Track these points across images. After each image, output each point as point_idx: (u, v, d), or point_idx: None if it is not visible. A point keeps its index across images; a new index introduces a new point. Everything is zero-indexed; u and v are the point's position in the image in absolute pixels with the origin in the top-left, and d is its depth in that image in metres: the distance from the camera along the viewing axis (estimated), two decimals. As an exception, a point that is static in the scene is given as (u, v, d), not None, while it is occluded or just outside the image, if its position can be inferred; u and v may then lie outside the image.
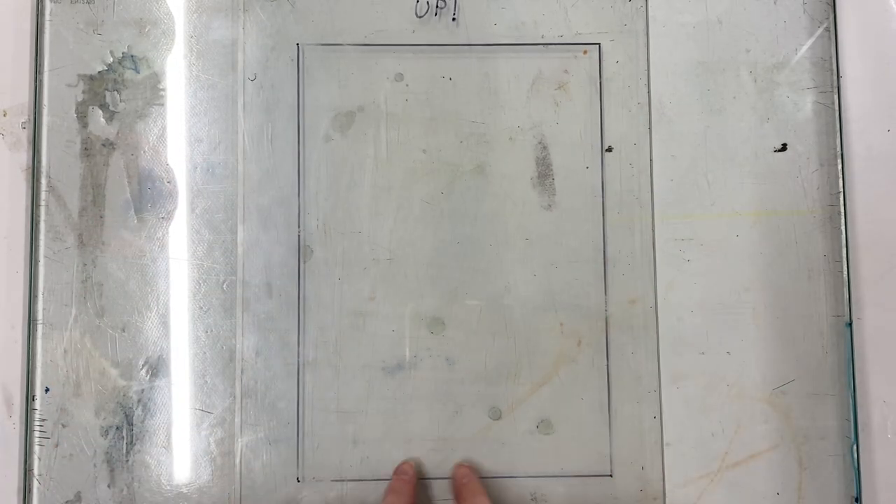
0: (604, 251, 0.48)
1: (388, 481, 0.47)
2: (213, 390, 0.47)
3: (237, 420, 0.47)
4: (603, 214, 0.48)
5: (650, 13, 0.49)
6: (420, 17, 0.48)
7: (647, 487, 0.47)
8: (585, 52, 0.49)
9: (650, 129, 0.48)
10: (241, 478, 0.46)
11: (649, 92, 0.49)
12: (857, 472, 0.46)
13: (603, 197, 0.48)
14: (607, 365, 0.47)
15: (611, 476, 0.47)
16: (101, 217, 0.48)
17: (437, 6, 0.49)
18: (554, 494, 0.47)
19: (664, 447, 0.47)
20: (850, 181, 0.48)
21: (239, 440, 0.47)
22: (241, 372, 0.47)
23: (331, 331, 0.47)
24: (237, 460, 0.46)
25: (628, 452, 0.47)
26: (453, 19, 0.49)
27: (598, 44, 0.49)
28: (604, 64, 0.49)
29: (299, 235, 0.48)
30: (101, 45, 0.48)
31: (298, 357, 0.47)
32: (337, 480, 0.47)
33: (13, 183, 0.48)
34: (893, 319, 0.48)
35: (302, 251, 0.48)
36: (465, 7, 0.49)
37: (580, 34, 0.49)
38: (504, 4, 0.49)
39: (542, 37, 0.49)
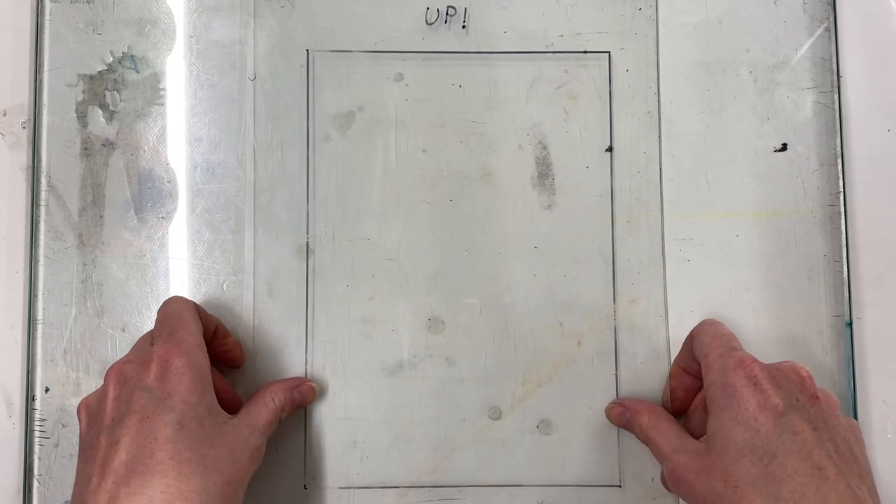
0: (612, 252, 0.48)
1: (395, 488, 0.47)
2: (214, 390, 0.47)
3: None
4: (612, 216, 0.48)
5: (659, 19, 0.49)
6: (430, 24, 0.48)
7: (656, 495, 0.47)
8: (590, 54, 0.49)
9: (659, 132, 0.48)
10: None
11: (659, 99, 0.49)
12: (857, 471, 0.46)
13: (612, 199, 0.48)
14: (615, 371, 0.47)
15: (620, 487, 0.47)
16: (101, 217, 0.48)
17: (447, 14, 0.49)
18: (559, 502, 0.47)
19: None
20: (850, 181, 0.49)
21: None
22: (249, 378, 0.47)
23: (338, 336, 0.47)
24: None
25: (637, 460, 0.47)
26: (463, 27, 0.49)
27: (608, 52, 0.49)
28: (613, 71, 0.49)
29: (307, 242, 0.48)
30: (101, 45, 0.48)
31: (306, 363, 0.47)
32: (344, 488, 0.47)
33: (13, 183, 0.48)
34: (893, 319, 0.48)
35: (310, 257, 0.48)
36: (475, 15, 0.49)
37: (589, 41, 0.49)
38: (513, 13, 0.49)
39: (552, 45, 0.49)
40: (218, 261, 0.48)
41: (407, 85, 0.49)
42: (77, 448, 0.46)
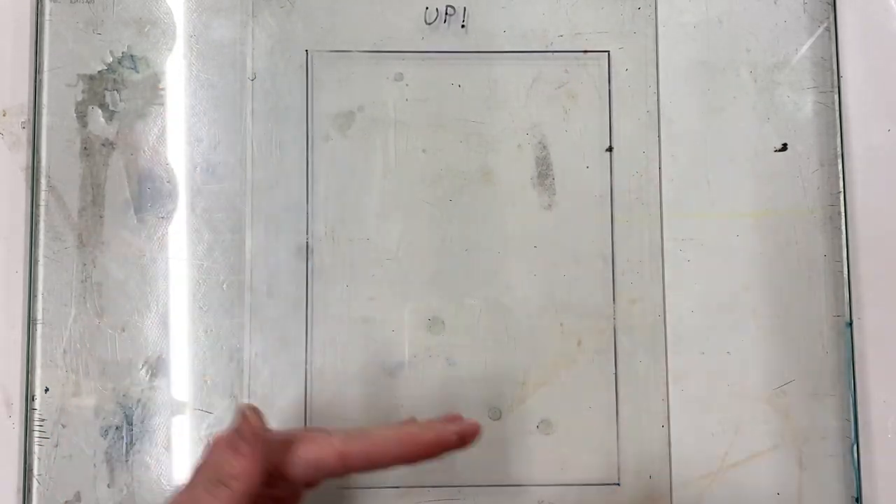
0: (611, 252, 0.48)
1: (395, 488, 0.47)
2: (213, 390, 0.47)
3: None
4: (612, 216, 0.48)
5: (659, 19, 0.49)
6: (429, 24, 0.48)
7: (654, 494, 0.47)
8: (590, 54, 0.49)
9: (659, 132, 0.48)
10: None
11: (658, 99, 0.49)
12: (857, 472, 0.46)
13: (612, 199, 0.48)
14: (615, 371, 0.47)
15: (618, 485, 0.47)
16: (101, 217, 0.48)
17: (446, 13, 0.49)
18: (559, 502, 0.47)
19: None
20: (850, 181, 0.49)
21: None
22: (249, 379, 0.47)
23: (338, 337, 0.47)
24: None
25: (635, 458, 0.47)
26: (462, 27, 0.49)
27: (608, 51, 0.49)
28: (613, 71, 0.49)
29: (307, 242, 0.48)
30: (101, 45, 0.48)
31: (306, 363, 0.47)
32: (344, 488, 0.47)
33: (13, 183, 0.48)
34: (893, 319, 0.48)
35: (310, 257, 0.48)
36: (474, 15, 0.49)
37: (589, 41, 0.49)
38: (513, 12, 0.49)
39: (552, 44, 0.49)
40: (218, 261, 0.48)
41: (406, 85, 0.49)
42: (76, 448, 0.46)
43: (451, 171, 0.48)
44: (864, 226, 0.48)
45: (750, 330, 0.47)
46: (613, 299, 0.48)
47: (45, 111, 0.48)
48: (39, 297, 0.47)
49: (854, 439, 0.46)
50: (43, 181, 0.48)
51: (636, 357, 0.47)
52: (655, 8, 0.49)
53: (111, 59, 0.48)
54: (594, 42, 0.49)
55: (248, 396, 0.47)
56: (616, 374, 0.47)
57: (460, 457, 0.47)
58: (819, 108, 0.49)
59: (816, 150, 0.48)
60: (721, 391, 0.47)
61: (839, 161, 0.48)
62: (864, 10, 0.50)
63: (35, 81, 0.48)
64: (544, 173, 0.48)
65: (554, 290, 0.48)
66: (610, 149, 0.48)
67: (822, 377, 0.47)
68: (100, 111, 0.48)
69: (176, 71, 0.48)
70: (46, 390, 0.47)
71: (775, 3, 0.49)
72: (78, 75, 0.48)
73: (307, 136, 0.48)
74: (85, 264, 0.47)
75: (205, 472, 0.36)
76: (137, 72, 0.48)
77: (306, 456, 0.36)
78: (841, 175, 0.48)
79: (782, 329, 0.47)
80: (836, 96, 0.49)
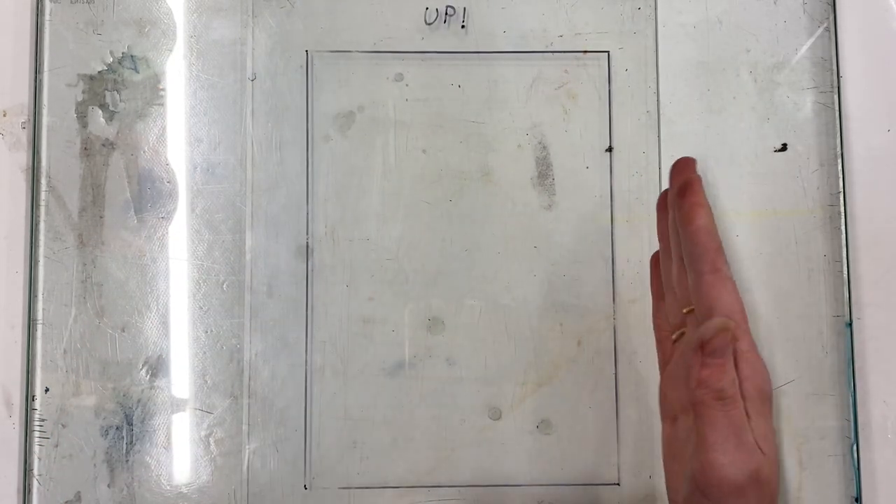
0: (611, 252, 0.48)
1: (395, 488, 0.47)
2: (214, 390, 0.47)
3: (244, 427, 0.47)
4: (612, 216, 0.48)
5: (659, 19, 0.49)
6: (429, 24, 0.48)
7: (654, 494, 0.47)
8: (590, 55, 0.49)
9: (659, 132, 0.48)
10: (248, 485, 0.46)
11: (658, 99, 0.49)
12: (857, 472, 0.46)
13: (612, 199, 0.48)
14: (615, 371, 0.47)
15: (618, 485, 0.47)
16: (101, 217, 0.48)
17: (446, 14, 0.49)
18: (559, 502, 0.47)
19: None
20: (850, 181, 0.48)
21: (246, 447, 0.46)
22: (249, 379, 0.47)
23: (338, 337, 0.47)
24: (244, 467, 0.46)
25: (635, 458, 0.47)
26: (462, 27, 0.49)
27: (608, 52, 0.49)
28: (612, 71, 0.49)
29: (307, 242, 0.48)
30: (101, 45, 0.48)
31: (306, 364, 0.47)
32: (344, 488, 0.47)
33: (13, 183, 0.48)
34: (893, 319, 0.48)
35: (310, 257, 0.48)
36: (474, 15, 0.49)
37: (589, 41, 0.49)
38: (513, 12, 0.49)
39: (551, 44, 0.49)
40: (218, 261, 0.48)
41: (406, 85, 0.49)
42: (76, 448, 0.46)
43: (451, 171, 0.48)
44: (864, 226, 0.48)
45: (750, 330, 0.47)
46: (613, 299, 0.48)
47: (45, 111, 0.48)
48: (39, 297, 0.47)
49: (854, 439, 0.46)
50: (43, 181, 0.48)
51: (636, 357, 0.47)
52: (655, 8, 0.49)
53: (111, 60, 0.48)
54: (594, 42, 0.49)
55: (249, 396, 0.47)
56: (616, 374, 0.47)
57: (460, 457, 0.47)
58: (819, 108, 0.49)
59: (816, 150, 0.48)
60: (721, 391, 0.47)
61: (839, 161, 0.48)
62: (864, 10, 0.50)
63: (35, 81, 0.48)
64: (544, 173, 0.48)
65: (554, 290, 0.48)
66: (610, 149, 0.48)
67: (822, 377, 0.47)
68: (100, 111, 0.48)
69: (176, 71, 0.48)
70: (47, 390, 0.47)
71: (775, 3, 0.49)
72: (78, 75, 0.48)
73: (307, 136, 0.48)
74: (85, 264, 0.47)
75: None
76: (137, 72, 0.48)
77: None
78: (841, 175, 0.48)
79: (782, 329, 0.47)
80: (836, 96, 0.49)
